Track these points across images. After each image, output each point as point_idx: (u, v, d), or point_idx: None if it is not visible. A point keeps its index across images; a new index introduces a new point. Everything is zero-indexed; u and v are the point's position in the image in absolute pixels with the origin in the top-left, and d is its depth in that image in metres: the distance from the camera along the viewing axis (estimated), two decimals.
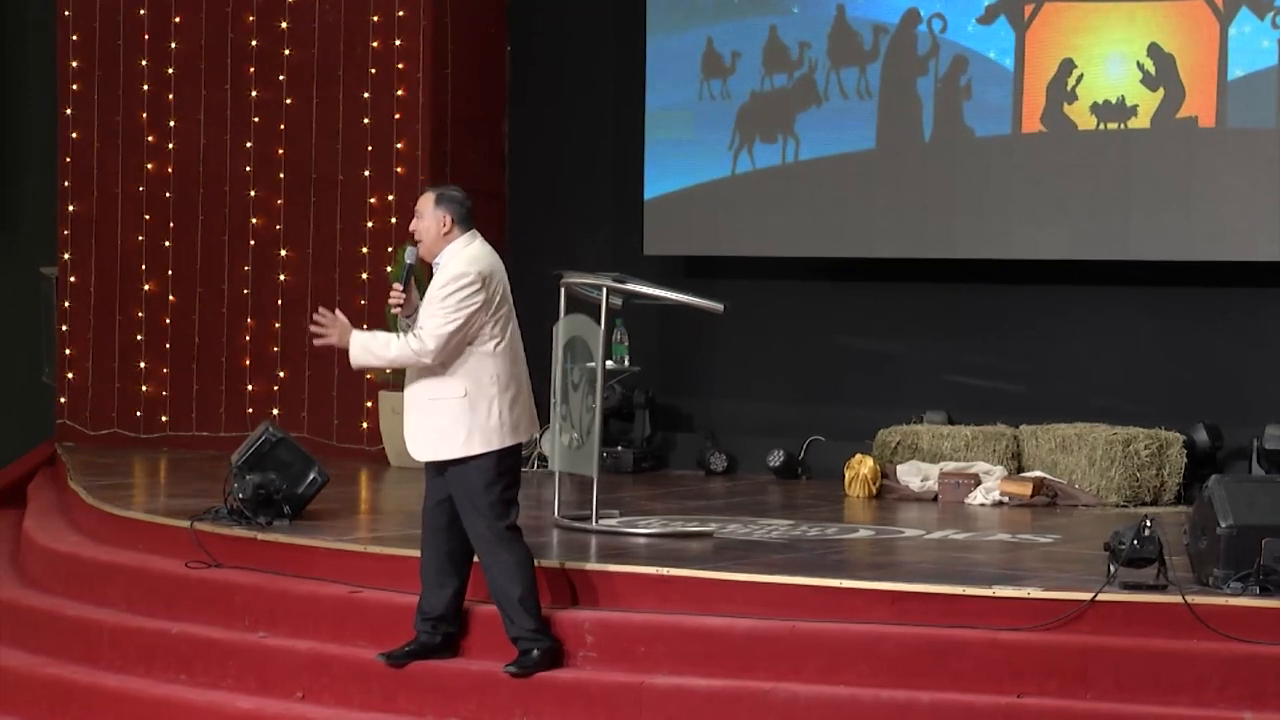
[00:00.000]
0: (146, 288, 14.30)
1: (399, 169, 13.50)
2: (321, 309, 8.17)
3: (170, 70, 14.22)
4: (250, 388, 13.96)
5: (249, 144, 13.98)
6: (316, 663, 8.35)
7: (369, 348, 8.04)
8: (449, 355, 7.92)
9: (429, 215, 8.03)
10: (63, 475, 12.54)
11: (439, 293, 7.92)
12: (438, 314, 7.90)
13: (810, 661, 7.79)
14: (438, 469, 8.07)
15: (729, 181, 13.14)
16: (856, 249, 12.94)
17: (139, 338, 14.32)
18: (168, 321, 14.23)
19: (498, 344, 7.98)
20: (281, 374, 13.87)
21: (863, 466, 11.88)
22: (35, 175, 15.19)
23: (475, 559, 8.16)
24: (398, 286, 8.08)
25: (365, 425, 13.45)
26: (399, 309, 8.08)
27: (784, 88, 12.99)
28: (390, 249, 13.25)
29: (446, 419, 7.94)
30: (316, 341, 8.13)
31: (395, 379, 12.89)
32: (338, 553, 8.96)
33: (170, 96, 14.22)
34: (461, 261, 7.97)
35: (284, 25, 13.88)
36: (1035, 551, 9.40)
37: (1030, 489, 11.43)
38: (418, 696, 8.09)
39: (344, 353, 8.11)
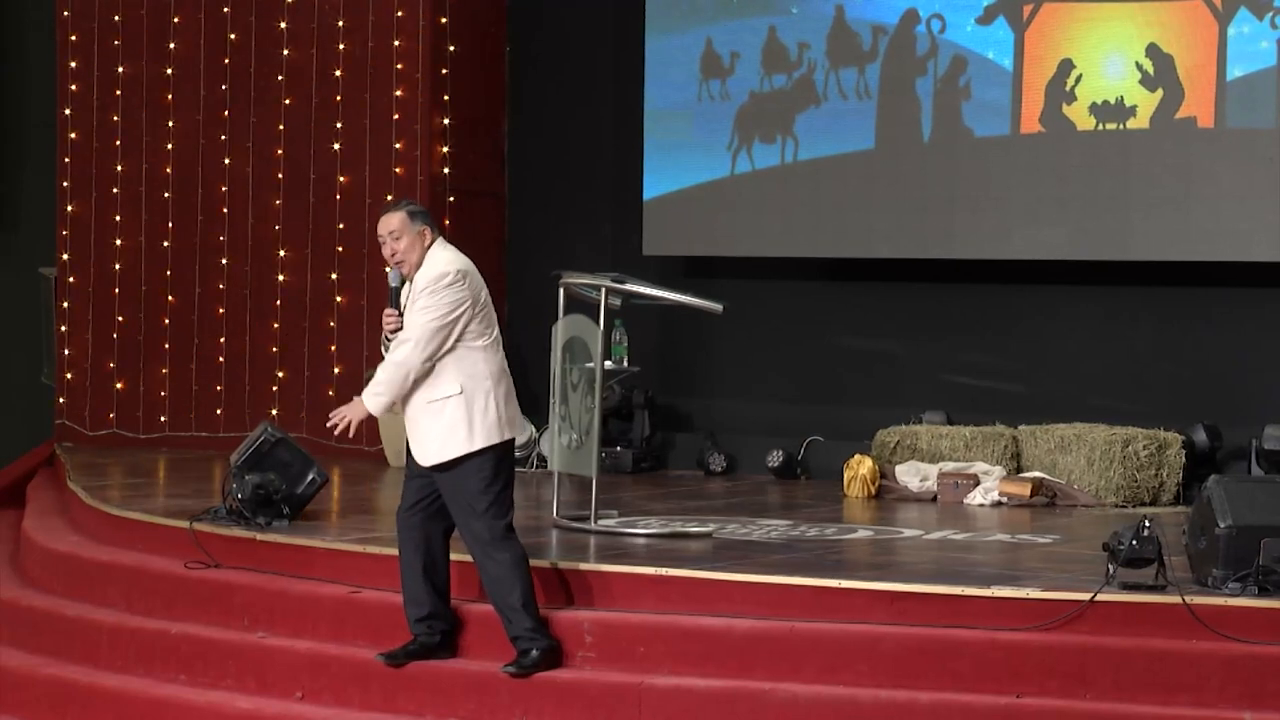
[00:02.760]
0: (145, 288, 14.30)
1: (399, 169, 13.50)
2: (330, 414, 8.18)
3: (170, 70, 14.23)
4: (249, 388, 13.96)
5: (249, 144, 13.98)
6: (316, 663, 8.36)
7: (373, 391, 8.03)
8: (438, 355, 7.94)
9: (408, 233, 8.01)
10: (62, 475, 12.54)
11: (421, 294, 7.94)
12: (422, 313, 7.92)
13: (809, 662, 7.79)
14: (426, 472, 8.05)
15: (728, 182, 13.15)
16: (856, 249, 12.94)
17: (139, 338, 14.33)
18: (167, 321, 14.24)
19: (485, 340, 8.02)
20: (281, 374, 13.87)
21: (862, 467, 11.88)
22: (35, 175, 15.19)
23: (450, 555, 8.17)
24: (392, 311, 8.07)
25: (364, 425, 13.40)
26: (395, 333, 8.06)
27: (783, 88, 12.99)
28: None
29: (447, 418, 7.96)
30: (341, 432, 8.11)
31: None
32: (337, 553, 8.96)
33: (170, 96, 14.23)
34: (439, 263, 7.99)
35: (283, 25, 13.88)
36: (1034, 552, 9.40)
37: (1029, 489, 11.43)
38: (417, 696, 8.09)
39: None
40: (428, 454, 8.01)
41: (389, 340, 8.10)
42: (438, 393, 7.98)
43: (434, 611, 8.15)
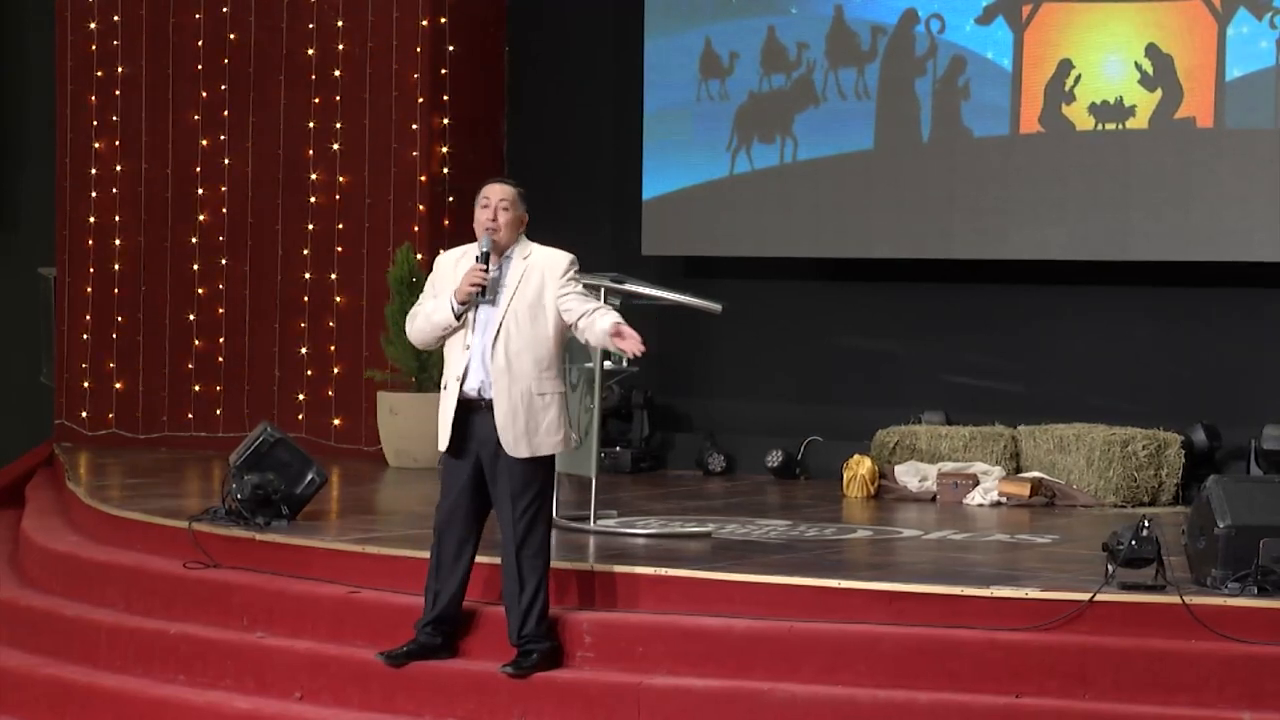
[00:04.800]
0: (145, 288, 14.30)
1: (399, 169, 13.50)
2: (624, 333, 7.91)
3: (170, 70, 14.23)
4: (249, 388, 13.96)
5: (249, 144, 13.98)
6: (315, 663, 8.35)
7: (607, 313, 7.97)
8: (557, 349, 8.01)
9: (515, 208, 8.08)
10: (61, 475, 12.54)
11: (563, 277, 8.00)
12: (585, 295, 8.03)
13: (808, 662, 7.79)
14: (465, 482, 8.01)
15: (727, 182, 13.15)
16: (855, 249, 12.95)
17: (139, 338, 14.33)
18: (167, 321, 14.24)
19: None
20: (280, 374, 13.87)
21: (861, 467, 11.88)
22: (35, 175, 15.19)
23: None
24: (481, 265, 7.92)
25: (364, 425, 13.45)
26: (477, 288, 7.92)
27: (782, 88, 12.99)
28: (390, 249, 13.26)
29: (553, 414, 7.95)
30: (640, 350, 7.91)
31: (395, 379, 12.91)
32: (335, 553, 8.96)
33: (170, 96, 14.23)
34: (556, 251, 8.10)
35: (283, 25, 13.88)
36: (1033, 552, 9.41)
37: (1028, 489, 11.43)
38: (416, 696, 8.09)
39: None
40: (523, 445, 7.89)
41: (455, 302, 7.90)
42: (546, 387, 7.95)
43: (449, 616, 8.14)
